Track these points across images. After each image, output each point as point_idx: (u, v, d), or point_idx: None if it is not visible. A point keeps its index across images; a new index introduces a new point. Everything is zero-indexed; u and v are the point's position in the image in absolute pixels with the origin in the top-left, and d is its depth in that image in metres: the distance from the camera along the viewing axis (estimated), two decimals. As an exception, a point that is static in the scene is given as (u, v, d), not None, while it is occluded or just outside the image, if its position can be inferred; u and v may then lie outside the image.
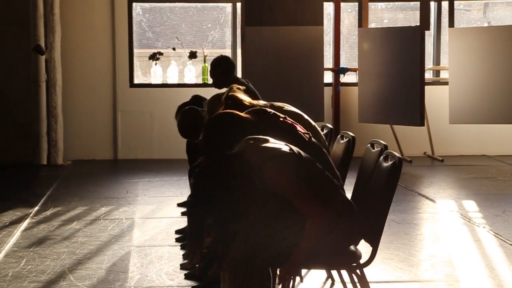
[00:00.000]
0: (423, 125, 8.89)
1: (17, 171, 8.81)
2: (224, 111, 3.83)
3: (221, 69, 6.43)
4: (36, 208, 6.71)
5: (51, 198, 7.16)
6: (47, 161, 9.22)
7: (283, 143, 3.38)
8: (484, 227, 5.97)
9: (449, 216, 6.47)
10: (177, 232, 5.76)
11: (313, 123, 4.34)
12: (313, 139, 3.71)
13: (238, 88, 4.51)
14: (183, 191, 7.25)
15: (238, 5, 9.54)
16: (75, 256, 5.16)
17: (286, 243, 3.33)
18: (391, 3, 10.50)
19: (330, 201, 3.36)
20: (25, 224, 6.11)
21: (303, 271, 4.57)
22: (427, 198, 7.18)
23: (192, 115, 5.49)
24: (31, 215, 6.43)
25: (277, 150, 3.33)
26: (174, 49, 9.75)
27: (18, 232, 5.84)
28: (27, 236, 5.72)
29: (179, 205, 6.79)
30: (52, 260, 5.06)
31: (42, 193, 7.34)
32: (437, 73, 10.17)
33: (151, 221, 6.24)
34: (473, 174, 8.49)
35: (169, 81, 9.67)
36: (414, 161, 9.28)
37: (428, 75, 9.89)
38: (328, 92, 9.49)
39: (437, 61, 10.08)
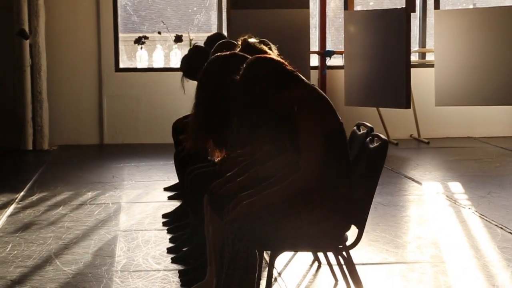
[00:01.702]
0: (409, 107, 8.91)
1: (2, 157, 8.76)
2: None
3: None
4: (22, 193, 6.68)
5: (37, 183, 7.14)
6: (32, 146, 9.17)
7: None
8: (469, 208, 6.00)
9: (435, 198, 6.49)
10: (163, 216, 5.76)
11: None
12: None
13: None
14: (169, 176, 7.24)
15: (224, -12, 9.50)
16: (61, 241, 5.15)
17: (274, 226, 3.34)
18: (377, -15, 10.50)
19: (336, 186, 3.36)
20: (10, 209, 6.09)
21: (289, 254, 4.60)
22: (413, 180, 7.20)
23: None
24: (16, 200, 6.41)
25: (329, 103, 3.45)
26: (159, 33, 9.70)
27: (3, 217, 5.82)
28: (13, 222, 5.70)
29: (166, 189, 6.78)
30: (38, 245, 5.05)
31: (28, 179, 7.31)
32: (423, 55, 10.18)
33: (138, 206, 6.23)
34: (459, 156, 8.52)
35: (155, 65, 9.63)
36: (401, 143, 9.30)
37: (414, 58, 9.89)
38: (314, 75, 9.48)
39: (422, 43, 10.09)
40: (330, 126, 3.38)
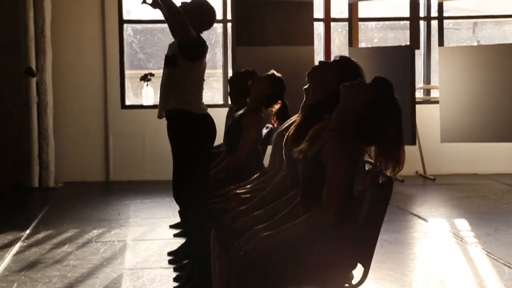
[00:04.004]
0: (414, 144, 8.91)
1: (8, 194, 8.78)
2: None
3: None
4: (28, 231, 6.68)
5: (42, 221, 7.13)
6: (38, 183, 9.19)
7: None
8: (476, 246, 5.97)
9: (441, 235, 6.47)
10: (169, 254, 5.74)
11: None
12: None
13: None
14: (175, 213, 7.22)
15: (229, 25, 9.58)
16: (66, 279, 5.13)
17: (280, 263, 3.32)
18: (381, 22, 10.57)
19: (342, 224, 3.35)
20: (16, 247, 6.08)
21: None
22: (419, 217, 7.18)
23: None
24: (22, 238, 6.40)
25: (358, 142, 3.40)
26: (165, 70, 9.74)
27: (9, 256, 5.81)
28: (18, 260, 5.69)
29: (171, 226, 6.77)
30: (44, 284, 5.03)
31: (33, 216, 7.31)
32: (427, 92, 10.21)
33: (143, 243, 6.21)
34: (465, 193, 8.50)
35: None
36: (406, 180, 9.29)
37: (419, 94, 9.92)
38: (319, 112, 9.49)
39: (427, 80, 10.13)
40: (355, 166, 3.40)
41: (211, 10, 5.36)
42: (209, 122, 5.24)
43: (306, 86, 4.39)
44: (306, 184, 3.46)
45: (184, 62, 5.13)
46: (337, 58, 3.85)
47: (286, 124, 4.67)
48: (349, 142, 3.36)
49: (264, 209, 3.77)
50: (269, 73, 5.66)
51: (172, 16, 5.00)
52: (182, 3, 5.28)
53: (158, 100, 5.41)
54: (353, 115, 3.39)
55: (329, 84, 3.74)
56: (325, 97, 3.73)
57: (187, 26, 5.03)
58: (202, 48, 5.21)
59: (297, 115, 4.59)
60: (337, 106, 3.45)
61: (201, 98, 5.30)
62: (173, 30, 5.52)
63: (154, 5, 5.24)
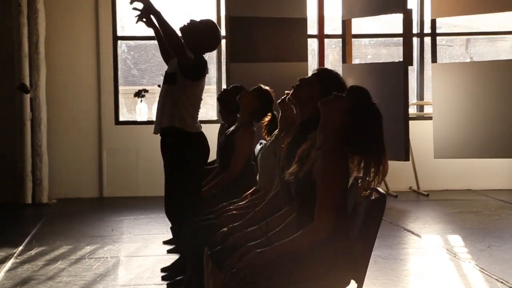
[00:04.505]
0: (408, 160, 8.90)
1: (1, 210, 8.75)
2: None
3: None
4: (21, 247, 6.65)
5: (35, 237, 7.11)
6: (32, 200, 9.16)
7: None
8: (469, 262, 5.97)
9: (435, 251, 6.47)
10: (163, 270, 5.73)
11: None
12: None
13: None
14: (168, 229, 7.19)
15: (223, 42, 9.59)
16: (59, 296, 5.12)
17: (274, 280, 3.32)
18: (375, 39, 10.62)
19: (336, 241, 3.35)
20: (9, 264, 6.06)
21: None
22: (412, 233, 7.18)
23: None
24: (15, 255, 6.38)
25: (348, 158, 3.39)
26: (159, 86, 9.73)
27: (2, 272, 5.79)
28: (11, 277, 5.67)
29: (165, 242, 6.75)
30: (36, 300, 5.01)
31: (26, 233, 7.29)
32: (421, 108, 10.24)
33: (137, 260, 6.20)
34: (458, 209, 8.51)
35: (155, 118, 9.64)
36: (400, 196, 9.30)
37: (412, 110, 9.95)
38: (313, 128, 9.50)
39: (420, 96, 10.15)
40: (347, 182, 3.40)
41: (218, 35, 5.37)
42: (203, 141, 5.26)
43: (279, 101, 4.42)
44: (301, 205, 3.46)
45: (184, 81, 5.15)
46: (315, 72, 3.85)
47: (268, 142, 4.71)
48: (338, 156, 3.36)
49: (257, 226, 3.77)
50: (256, 86, 5.69)
51: (168, 40, 5.01)
52: (191, 20, 5.29)
53: (154, 115, 5.43)
54: (336, 129, 3.39)
55: (314, 99, 3.74)
56: (313, 113, 3.73)
57: (183, 50, 5.04)
58: (202, 68, 5.23)
59: (277, 130, 4.61)
60: (319, 124, 3.45)
61: (197, 117, 5.32)
62: (163, 50, 5.54)
63: (148, 24, 5.26)
